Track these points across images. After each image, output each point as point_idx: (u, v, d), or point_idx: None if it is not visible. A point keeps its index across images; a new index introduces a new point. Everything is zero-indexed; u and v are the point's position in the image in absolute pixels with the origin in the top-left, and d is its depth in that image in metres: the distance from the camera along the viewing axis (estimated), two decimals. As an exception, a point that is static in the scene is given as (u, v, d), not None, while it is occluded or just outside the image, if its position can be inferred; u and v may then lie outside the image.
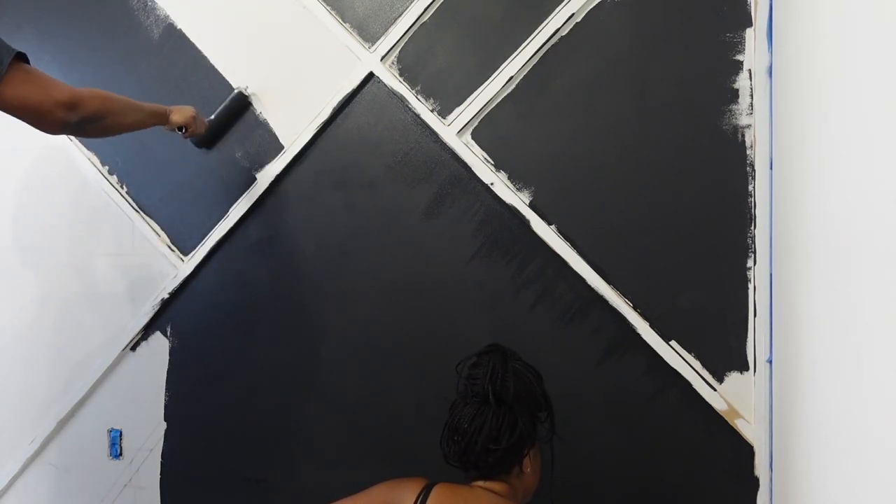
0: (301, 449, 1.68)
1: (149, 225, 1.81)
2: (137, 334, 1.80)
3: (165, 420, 1.79)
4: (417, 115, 1.61)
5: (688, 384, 1.41)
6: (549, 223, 1.51)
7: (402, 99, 1.62)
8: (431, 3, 1.60)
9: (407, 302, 1.60)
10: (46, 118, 1.13)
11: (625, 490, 1.45)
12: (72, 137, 1.87)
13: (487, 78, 1.56)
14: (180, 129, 1.55)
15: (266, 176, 1.71)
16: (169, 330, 1.79)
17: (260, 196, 1.71)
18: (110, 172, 1.85)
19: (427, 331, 1.59)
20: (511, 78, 1.54)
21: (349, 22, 1.67)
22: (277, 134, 1.72)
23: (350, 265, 1.65)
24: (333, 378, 1.65)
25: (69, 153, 1.87)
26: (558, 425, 1.13)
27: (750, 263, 1.39)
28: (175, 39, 1.80)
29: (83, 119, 1.18)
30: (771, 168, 1.37)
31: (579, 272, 1.48)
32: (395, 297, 1.61)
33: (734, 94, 1.41)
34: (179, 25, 1.80)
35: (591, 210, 1.49)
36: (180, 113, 1.54)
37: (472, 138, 1.57)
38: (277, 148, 1.71)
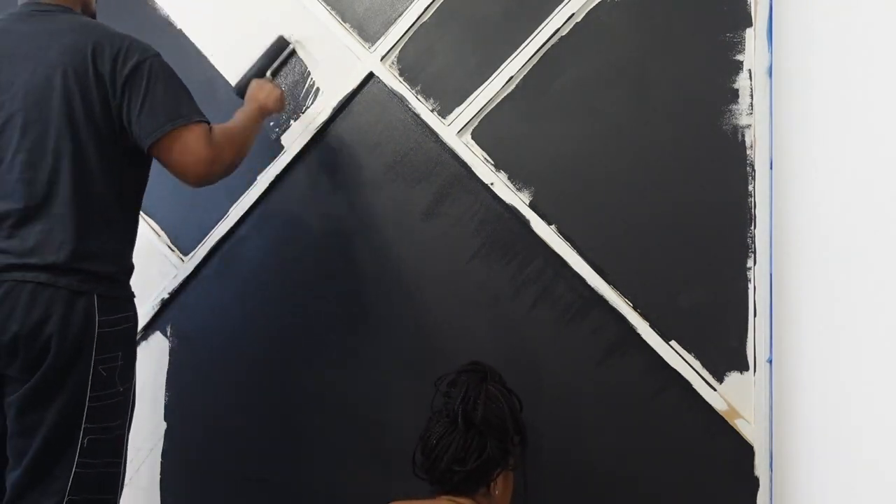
0: (301, 448, 1.67)
1: (149, 225, 1.81)
2: (137, 334, 1.79)
3: (165, 420, 1.79)
4: (417, 115, 1.61)
5: (688, 384, 1.41)
6: (549, 223, 1.51)
7: (402, 99, 1.62)
8: (431, 3, 1.60)
9: (407, 302, 1.60)
10: (186, 180, 1.28)
11: (625, 490, 1.45)
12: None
13: (487, 78, 1.56)
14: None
15: (266, 176, 1.71)
16: (169, 330, 1.79)
17: (260, 196, 1.71)
18: (110, 172, 1.85)
19: (427, 330, 1.59)
20: (511, 78, 1.54)
21: (349, 22, 1.67)
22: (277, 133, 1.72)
23: (350, 265, 1.65)
24: (333, 378, 1.65)
25: (69, 153, 1.87)
26: (530, 454, 1.14)
27: (750, 263, 1.38)
28: (174, 39, 1.80)
29: (220, 175, 1.32)
30: (771, 168, 1.37)
31: (579, 272, 1.48)
32: (395, 296, 1.61)
33: (734, 94, 1.40)
34: (179, 25, 1.80)
35: (591, 210, 1.49)
36: (271, 98, 1.51)
37: (472, 138, 1.57)
38: (277, 148, 1.71)
